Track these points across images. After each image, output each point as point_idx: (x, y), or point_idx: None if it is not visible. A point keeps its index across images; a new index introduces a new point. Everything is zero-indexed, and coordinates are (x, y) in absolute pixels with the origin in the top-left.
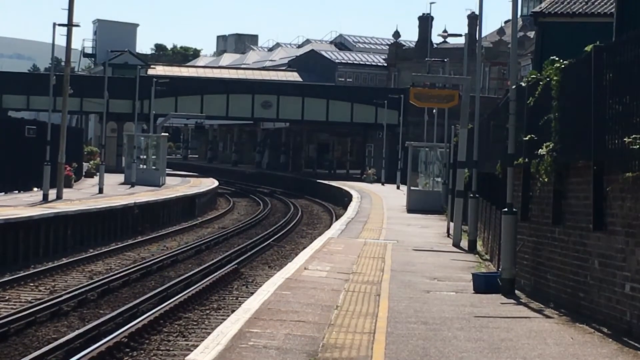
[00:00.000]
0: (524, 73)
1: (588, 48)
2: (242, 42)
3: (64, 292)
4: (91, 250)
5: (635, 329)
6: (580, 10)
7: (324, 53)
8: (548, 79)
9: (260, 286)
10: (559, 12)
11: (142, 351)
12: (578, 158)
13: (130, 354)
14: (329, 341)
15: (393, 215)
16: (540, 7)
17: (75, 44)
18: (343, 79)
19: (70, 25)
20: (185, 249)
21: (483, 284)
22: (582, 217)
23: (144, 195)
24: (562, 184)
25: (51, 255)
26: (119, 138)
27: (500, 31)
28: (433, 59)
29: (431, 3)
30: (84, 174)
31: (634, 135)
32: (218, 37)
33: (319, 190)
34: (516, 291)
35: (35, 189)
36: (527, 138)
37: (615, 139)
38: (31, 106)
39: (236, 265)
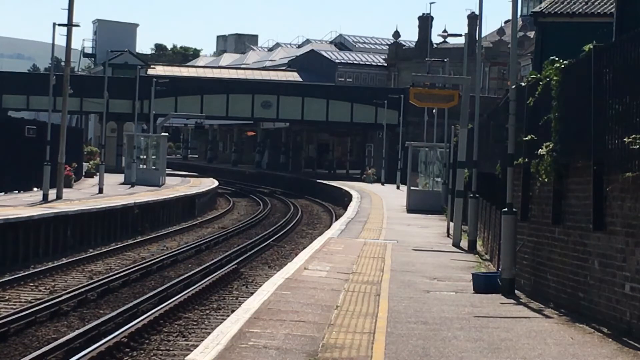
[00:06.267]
0: (524, 73)
1: (588, 48)
2: (242, 42)
3: (64, 292)
4: (91, 250)
5: (635, 329)
6: (580, 10)
7: (324, 53)
8: (548, 79)
9: (260, 286)
10: (559, 12)
11: (142, 351)
12: (578, 158)
13: (130, 354)
14: (328, 341)
15: (393, 215)
16: (540, 7)
17: (75, 44)
18: (343, 79)
19: (70, 25)
20: (185, 249)
21: (483, 284)
22: (582, 217)
23: (144, 195)
24: (562, 184)
25: (51, 255)
26: (119, 138)
27: (500, 31)
28: (433, 59)
29: (431, 3)
30: (84, 174)
31: (634, 135)
32: (218, 37)
33: (318, 190)
34: (516, 291)
35: (35, 189)
36: (527, 138)
37: (615, 139)
38: (31, 106)
39: (236, 265)
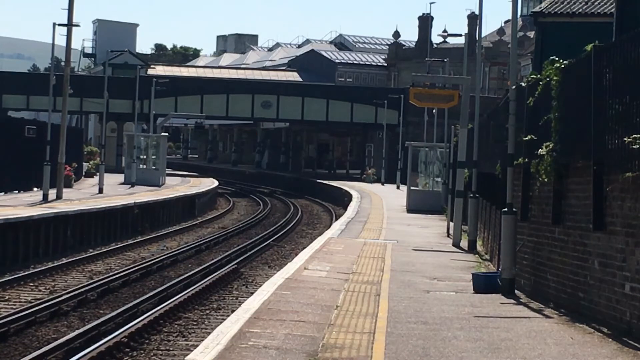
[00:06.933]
0: (524, 73)
1: (588, 48)
2: (242, 42)
3: (64, 292)
4: (91, 250)
5: (635, 329)
6: (580, 10)
7: (324, 53)
8: (548, 79)
9: (260, 286)
10: (559, 12)
11: (142, 351)
12: (578, 158)
13: (130, 354)
14: (328, 341)
15: (393, 215)
16: (540, 7)
17: (75, 44)
18: (343, 79)
19: (70, 25)
20: (185, 249)
21: (483, 284)
22: (582, 217)
23: (144, 195)
24: (562, 184)
25: (51, 255)
26: (119, 138)
27: (500, 31)
28: (433, 59)
29: (431, 3)
30: (84, 174)
31: (634, 135)
32: (218, 37)
33: (318, 190)
34: (516, 291)
35: (35, 189)
36: (527, 138)
37: (615, 139)
38: (31, 106)
39: (236, 265)
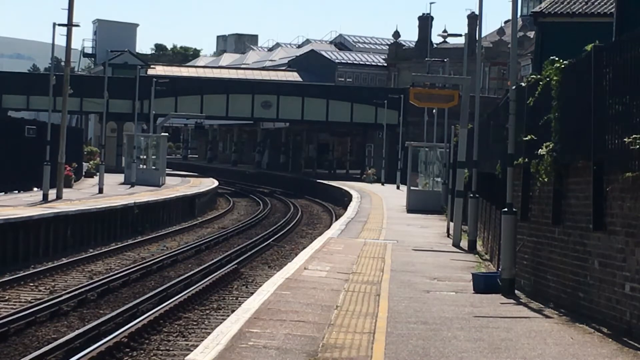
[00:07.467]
0: (524, 73)
1: (588, 48)
2: (242, 42)
3: (64, 292)
4: (91, 250)
5: (635, 329)
6: (580, 10)
7: (324, 53)
8: (548, 79)
9: (260, 286)
10: (559, 12)
11: (142, 351)
12: (578, 158)
13: (130, 354)
14: (328, 341)
15: (393, 215)
16: (540, 7)
17: (75, 44)
18: (343, 79)
19: (70, 25)
20: (185, 249)
21: (483, 284)
22: (582, 217)
23: (144, 195)
24: (562, 184)
25: (51, 255)
26: (119, 138)
27: (500, 31)
28: (433, 59)
29: (431, 3)
30: (84, 174)
31: (634, 135)
32: (218, 37)
33: (318, 190)
34: (516, 291)
35: (35, 189)
36: (527, 138)
37: (615, 139)
38: (31, 106)
39: (236, 265)
